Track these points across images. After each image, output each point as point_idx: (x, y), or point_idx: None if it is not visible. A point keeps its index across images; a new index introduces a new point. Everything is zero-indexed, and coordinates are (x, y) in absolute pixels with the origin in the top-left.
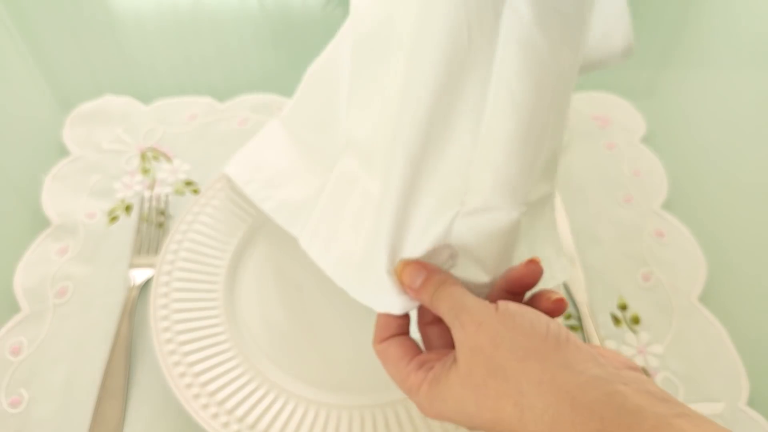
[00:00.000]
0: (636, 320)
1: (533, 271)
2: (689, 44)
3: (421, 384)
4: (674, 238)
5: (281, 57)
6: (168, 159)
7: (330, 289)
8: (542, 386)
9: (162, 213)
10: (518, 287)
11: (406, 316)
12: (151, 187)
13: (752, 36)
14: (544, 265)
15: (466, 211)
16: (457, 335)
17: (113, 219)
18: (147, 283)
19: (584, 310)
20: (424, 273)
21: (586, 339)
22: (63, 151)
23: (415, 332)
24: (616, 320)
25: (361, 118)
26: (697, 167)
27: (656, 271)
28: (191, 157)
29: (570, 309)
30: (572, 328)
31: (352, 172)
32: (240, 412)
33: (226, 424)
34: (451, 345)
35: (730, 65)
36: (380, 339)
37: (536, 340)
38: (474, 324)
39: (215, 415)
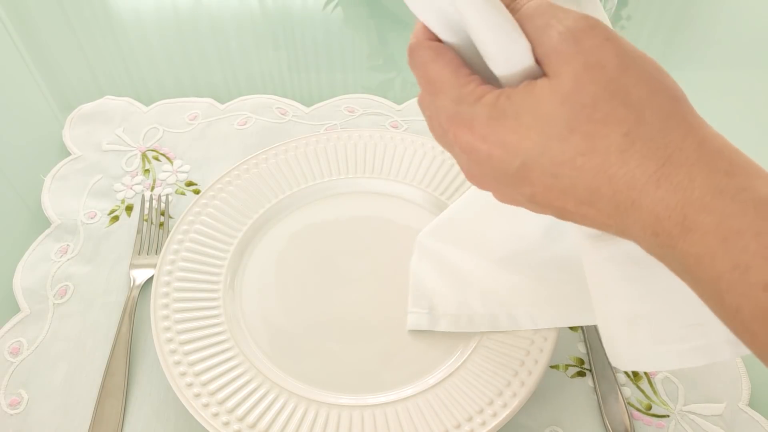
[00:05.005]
0: None
1: None
2: (689, 44)
3: (484, 94)
4: None
5: (281, 58)
6: (169, 159)
7: (331, 289)
8: (670, 120)
9: (163, 213)
10: None
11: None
12: (152, 187)
13: (752, 36)
14: None
15: None
16: (564, 46)
17: (114, 219)
18: (147, 284)
19: None
20: None
21: None
22: (63, 152)
23: None
24: None
25: None
26: None
27: None
28: (192, 158)
29: None
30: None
31: None
32: (240, 411)
33: (226, 424)
34: None
35: (730, 65)
36: (429, 38)
37: (665, 78)
38: (597, 37)
39: (216, 415)
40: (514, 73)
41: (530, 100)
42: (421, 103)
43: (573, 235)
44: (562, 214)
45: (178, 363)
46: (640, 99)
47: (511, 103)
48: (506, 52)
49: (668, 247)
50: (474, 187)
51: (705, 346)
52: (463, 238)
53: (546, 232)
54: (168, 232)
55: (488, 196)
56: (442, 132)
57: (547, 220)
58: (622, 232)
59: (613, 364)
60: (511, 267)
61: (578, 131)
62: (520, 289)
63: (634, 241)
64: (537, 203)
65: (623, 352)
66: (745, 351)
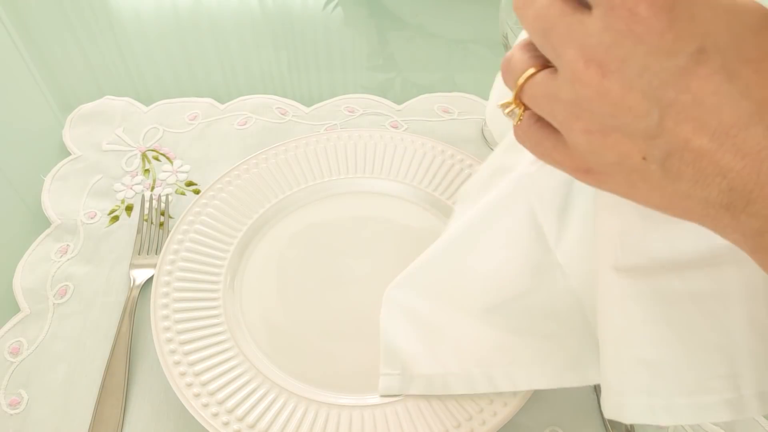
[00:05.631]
0: None
1: None
2: None
3: None
4: None
5: (281, 58)
6: (169, 159)
7: (331, 289)
8: None
9: (163, 213)
10: None
11: None
12: (152, 187)
13: None
14: None
15: None
16: None
17: (114, 219)
18: (147, 284)
19: None
20: None
21: None
22: (63, 152)
23: None
24: None
25: None
26: None
27: None
28: (192, 158)
29: None
30: None
31: None
32: (240, 411)
33: (226, 424)
34: None
35: None
36: None
37: None
38: None
39: (215, 415)
40: None
41: None
42: None
43: (599, 265)
44: (669, 156)
45: (178, 363)
46: None
47: None
48: None
49: None
50: (448, 231)
51: (734, 400)
52: (437, 289)
53: (535, 271)
54: (168, 232)
55: (468, 239)
56: (568, 7)
57: (535, 262)
58: (736, 189)
59: (610, 416)
60: (489, 319)
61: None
62: (497, 345)
63: (738, 208)
64: (659, 126)
65: (635, 403)
66: None
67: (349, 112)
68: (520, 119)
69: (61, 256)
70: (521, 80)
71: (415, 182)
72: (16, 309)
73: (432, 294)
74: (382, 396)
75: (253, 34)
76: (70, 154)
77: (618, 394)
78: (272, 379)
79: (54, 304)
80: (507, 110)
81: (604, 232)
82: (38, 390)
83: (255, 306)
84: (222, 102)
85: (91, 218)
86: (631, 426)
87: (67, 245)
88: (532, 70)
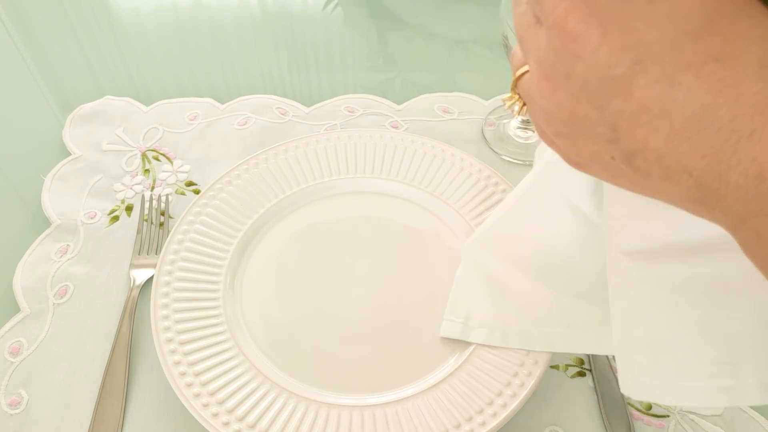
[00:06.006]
0: None
1: None
2: None
3: None
4: None
5: (281, 58)
6: (169, 159)
7: (331, 289)
8: None
9: (163, 213)
10: None
11: None
12: (152, 187)
13: None
14: None
15: None
16: None
17: (114, 219)
18: (147, 284)
19: None
20: None
21: None
22: (63, 152)
23: None
24: None
25: None
26: None
27: None
28: (192, 158)
29: None
30: None
31: None
32: (240, 411)
33: (226, 424)
34: None
35: None
36: None
37: None
38: None
39: (215, 415)
40: None
41: None
42: None
43: (606, 248)
44: (632, 158)
45: (178, 363)
46: None
47: None
48: None
49: None
50: (515, 191)
51: (733, 387)
52: (502, 251)
53: (583, 243)
54: (168, 232)
55: (528, 200)
56: (532, 18)
57: (580, 236)
58: (705, 186)
59: (626, 393)
60: (550, 282)
61: (719, 34)
62: (557, 308)
63: (711, 204)
64: (615, 131)
65: (641, 382)
66: None
67: (349, 112)
68: (520, 111)
69: (61, 256)
70: (515, 76)
71: (415, 182)
72: (16, 309)
73: (500, 254)
74: (443, 337)
75: (253, 34)
76: (70, 154)
77: (627, 371)
78: (272, 379)
79: (54, 304)
80: (508, 104)
81: (610, 216)
82: (38, 390)
83: (255, 306)
84: (222, 102)
85: (91, 218)
86: (631, 426)
87: (67, 245)
88: (525, 68)
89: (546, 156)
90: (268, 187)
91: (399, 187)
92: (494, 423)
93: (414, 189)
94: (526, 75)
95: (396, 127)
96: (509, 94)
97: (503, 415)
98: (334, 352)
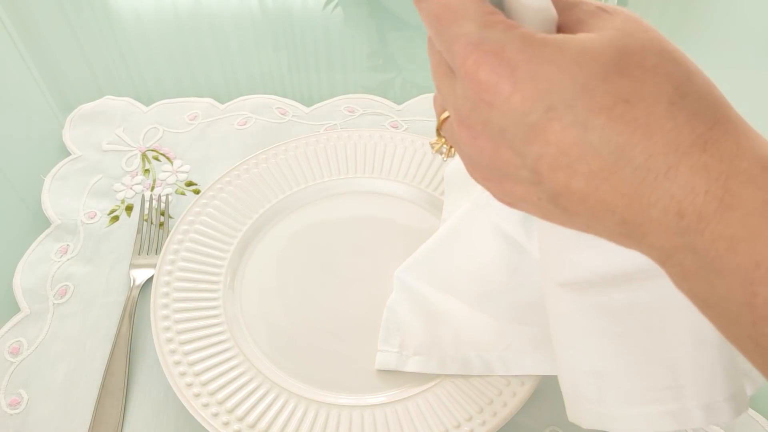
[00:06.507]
0: None
1: None
2: (689, 45)
3: (518, 27)
4: None
5: (281, 58)
6: (169, 159)
7: (331, 289)
8: (715, 90)
9: (163, 213)
10: None
11: None
12: (152, 187)
13: (752, 36)
14: None
15: None
16: (602, 12)
17: (114, 219)
18: (147, 284)
19: None
20: None
21: None
22: (63, 152)
23: None
24: None
25: None
26: None
27: None
28: (192, 158)
29: None
30: None
31: None
32: (240, 411)
33: (226, 423)
34: None
35: (730, 66)
36: None
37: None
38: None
39: (215, 414)
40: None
41: (574, 40)
42: (428, 41)
43: (542, 281)
44: (557, 198)
45: (178, 363)
46: (687, 62)
47: (552, 38)
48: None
49: (693, 232)
50: (448, 222)
51: (677, 411)
52: (437, 277)
53: (514, 271)
54: (168, 232)
55: (459, 231)
56: (447, 68)
57: (512, 263)
58: (629, 222)
59: (575, 422)
60: (485, 308)
61: (627, 75)
62: (493, 332)
63: (637, 239)
64: (537, 175)
65: (589, 410)
66: (717, 418)
67: (349, 112)
68: (448, 154)
69: (61, 256)
70: (439, 121)
71: (415, 182)
72: (16, 309)
73: (433, 281)
74: (378, 370)
75: (253, 34)
76: (70, 154)
77: (574, 400)
78: (272, 379)
79: (54, 304)
80: (436, 148)
81: (544, 249)
82: (38, 390)
83: (255, 306)
84: (222, 102)
85: (91, 218)
86: None
87: (67, 245)
88: (446, 114)
89: (477, 190)
90: (268, 187)
91: (399, 187)
92: (494, 422)
93: (414, 189)
94: (449, 119)
95: (396, 127)
96: (434, 140)
97: (503, 414)
98: (334, 352)
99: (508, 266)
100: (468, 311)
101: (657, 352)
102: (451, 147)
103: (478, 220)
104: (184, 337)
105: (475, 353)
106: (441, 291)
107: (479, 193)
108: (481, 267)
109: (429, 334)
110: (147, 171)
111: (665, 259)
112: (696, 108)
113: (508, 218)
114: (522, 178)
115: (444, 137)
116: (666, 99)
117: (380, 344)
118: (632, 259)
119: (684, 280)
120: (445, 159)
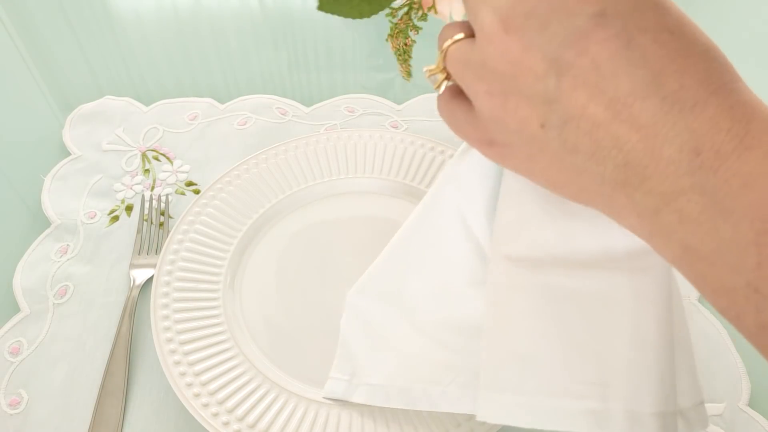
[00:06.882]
0: None
1: None
2: None
3: None
4: None
5: (281, 58)
6: (169, 159)
7: (331, 289)
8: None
9: (163, 213)
10: None
11: None
12: (152, 187)
13: (752, 37)
14: None
15: None
16: None
17: (114, 219)
18: (147, 284)
19: None
20: None
21: None
22: (63, 152)
23: None
24: None
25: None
26: None
27: None
28: (192, 158)
29: None
30: None
31: None
32: (240, 411)
33: (226, 423)
34: None
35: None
36: None
37: None
38: None
39: (215, 415)
40: None
41: None
42: None
43: (491, 254)
44: (564, 124)
45: (178, 363)
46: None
47: None
48: None
49: (706, 170)
50: (396, 237)
51: (599, 412)
52: (387, 292)
53: (467, 281)
54: (168, 232)
55: (411, 243)
56: None
57: (466, 262)
58: (632, 164)
59: (483, 419)
60: (432, 332)
61: (675, 11)
62: (439, 364)
63: (634, 185)
64: (557, 90)
65: (501, 403)
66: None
67: (349, 112)
68: (440, 85)
69: (61, 256)
70: (446, 45)
71: (415, 182)
72: (16, 309)
73: (385, 302)
74: (324, 398)
75: (253, 34)
76: (70, 154)
77: (487, 392)
78: (272, 379)
79: (54, 304)
80: (430, 75)
81: (502, 221)
82: (38, 390)
83: (255, 306)
84: (222, 102)
85: (91, 218)
86: None
87: (67, 245)
88: (460, 36)
89: (449, 170)
90: (268, 187)
91: (399, 188)
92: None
93: (414, 189)
94: (461, 42)
95: (396, 127)
96: (431, 66)
97: None
98: (334, 352)
99: (464, 271)
100: (416, 338)
101: (591, 344)
102: (445, 78)
103: (439, 214)
104: (184, 337)
105: (421, 386)
106: (392, 311)
107: (447, 175)
108: (436, 269)
109: (377, 362)
110: (147, 171)
111: (663, 206)
112: (724, 63)
113: (473, 204)
114: (534, 94)
115: (441, 66)
116: (703, 45)
117: (332, 371)
118: (590, 246)
119: (678, 229)
120: (435, 88)
